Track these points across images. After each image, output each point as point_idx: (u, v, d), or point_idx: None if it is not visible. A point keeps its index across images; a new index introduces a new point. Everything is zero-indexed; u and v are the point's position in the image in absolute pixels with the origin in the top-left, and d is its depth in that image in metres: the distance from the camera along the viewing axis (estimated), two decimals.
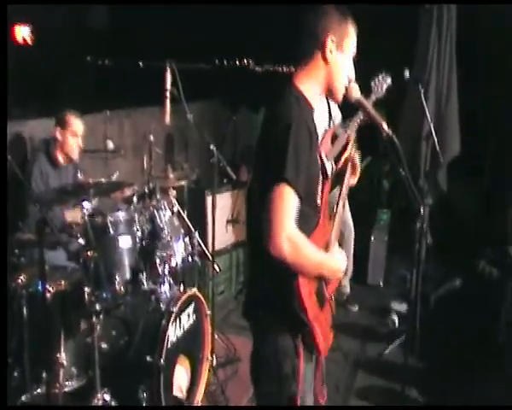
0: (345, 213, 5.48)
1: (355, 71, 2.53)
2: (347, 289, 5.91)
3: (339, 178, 2.73)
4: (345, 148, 2.79)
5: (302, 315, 2.28)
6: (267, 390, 2.47)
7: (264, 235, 2.16)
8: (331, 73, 2.42)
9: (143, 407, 3.54)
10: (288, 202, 2.16)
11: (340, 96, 2.49)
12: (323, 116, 5.14)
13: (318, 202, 2.41)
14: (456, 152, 5.73)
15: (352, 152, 2.79)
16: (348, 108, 2.73)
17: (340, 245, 2.63)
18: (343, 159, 2.75)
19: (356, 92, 2.53)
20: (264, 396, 2.52)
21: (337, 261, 2.45)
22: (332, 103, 5.16)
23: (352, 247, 5.76)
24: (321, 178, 2.42)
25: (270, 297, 2.36)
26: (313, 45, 2.39)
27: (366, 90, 2.79)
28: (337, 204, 2.63)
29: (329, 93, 2.49)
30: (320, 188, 2.42)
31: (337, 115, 5.17)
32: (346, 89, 2.49)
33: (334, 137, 3.88)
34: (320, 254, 2.34)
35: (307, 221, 2.34)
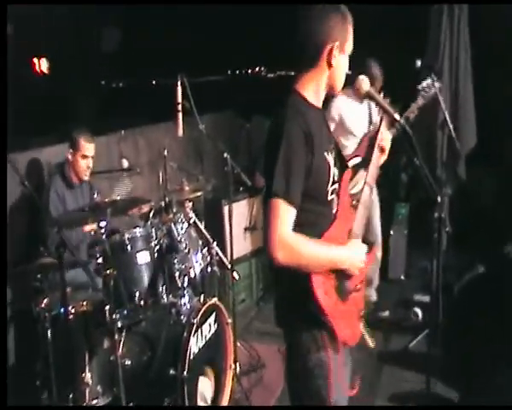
0: (373, 223, 5.48)
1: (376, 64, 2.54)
2: (374, 298, 5.78)
3: (364, 163, 2.75)
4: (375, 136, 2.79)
5: (319, 314, 2.33)
6: (298, 391, 2.55)
7: (265, 245, 2.29)
8: (334, 75, 2.48)
9: (144, 407, 3.61)
10: (278, 212, 2.26)
11: (339, 89, 2.57)
12: (363, 119, 5.18)
13: (329, 198, 2.46)
14: (473, 141, 5.72)
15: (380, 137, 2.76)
16: None
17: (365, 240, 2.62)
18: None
19: (366, 85, 2.59)
20: (297, 396, 2.58)
21: (354, 252, 2.48)
22: (373, 105, 5.21)
23: (379, 261, 5.70)
24: (334, 174, 2.47)
25: (291, 301, 2.43)
26: (317, 52, 2.43)
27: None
28: (361, 192, 2.65)
29: (330, 92, 2.54)
30: (332, 185, 2.46)
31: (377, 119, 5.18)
32: (356, 83, 2.54)
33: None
34: (328, 248, 2.37)
35: (321, 218, 2.43)
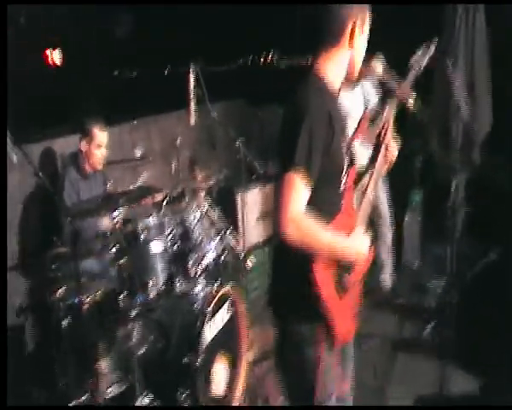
0: (380, 206, 5.44)
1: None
2: (388, 284, 5.71)
3: (372, 161, 2.74)
4: (384, 132, 2.78)
5: (318, 304, 2.31)
6: (289, 382, 2.56)
7: (274, 218, 2.26)
8: (354, 56, 2.45)
9: (144, 407, 3.64)
10: (294, 187, 2.22)
11: (357, 74, 2.53)
12: (357, 101, 5.14)
13: (342, 187, 2.45)
14: (487, 128, 5.67)
15: (388, 137, 2.77)
16: None
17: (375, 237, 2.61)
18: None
19: (379, 68, 2.56)
20: (288, 386, 2.59)
21: (358, 244, 2.45)
22: (367, 86, 5.18)
23: (390, 242, 5.64)
24: (346, 165, 2.45)
25: (289, 287, 2.42)
26: (339, 32, 2.40)
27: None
28: (366, 189, 2.65)
29: (350, 73, 2.50)
30: (344, 174, 2.45)
31: (371, 98, 5.13)
32: (370, 67, 2.53)
33: (372, 121, 3.87)
34: (335, 236, 2.34)
35: (329, 207, 2.41)
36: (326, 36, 2.43)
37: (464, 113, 5.06)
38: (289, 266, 2.40)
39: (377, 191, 5.34)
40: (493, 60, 5.67)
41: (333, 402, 2.48)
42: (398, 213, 6.10)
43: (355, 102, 5.13)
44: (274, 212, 2.26)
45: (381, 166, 2.73)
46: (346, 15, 2.38)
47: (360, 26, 2.40)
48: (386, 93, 2.71)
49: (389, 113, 2.81)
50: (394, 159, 2.77)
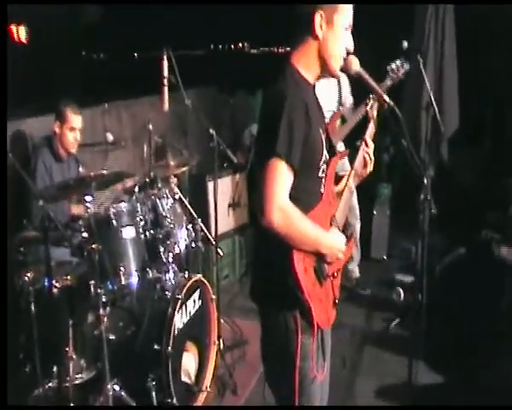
0: (352, 197, 5.46)
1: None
2: (356, 274, 5.82)
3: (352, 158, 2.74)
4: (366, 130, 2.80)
5: (297, 290, 2.30)
6: (272, 368, 2.56)
7: (258, 207, 2.26)
8: (324, 50, 2.43)
9: (144, 407, 3.63)
10: (279, 174, 2.24)
11: (335, 71, 2.51)
12: (332, 97, 5.15)
13: (321, 175, 2.45)
14: (455, 125, 5.74)
15: (369, 135, 2.78)
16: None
17: (345, 230, 2.63)
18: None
19: (355, 65, 2.55)
20: (269, 374, 2.59)
21: (335, 239, 2.46)
22: (343, 85, 5.20)
23: (358, 233, 5.73)
24: (325, 153, 2.46)
25: (269, 275, 2.41)
26: (303, 23, 2.42)
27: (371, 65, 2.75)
28: (346, 182, 2.68)
29: (324, 69, 2.49)
30: (323, 163, 2.46)
31: (347, 97, 5.16)
32: (346, 62, 2.51)
33: (343, 120, 3.89)
34: (315, 228, 2.35)
35: (308, 196, 2.42)
36: (293, 26, 2.45)
37: (434, 109, 5.13)
38: (269, 255, 2.40)
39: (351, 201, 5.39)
40: (461, 59, 5.76)
41: (317, 386, 2.52)
42: (366, 207, 6.15)
43: (328, 94, 5.14)
44: (259, 200, 2.26)
45: (361, 164, 2.73)
46: (309, 6, 2.39)
47: (326, 19, 2.39)
48: (368, 92, 2.70)
49: (371, 112, 2.84)
50: (372, 160, 2.76)
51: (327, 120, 2.64)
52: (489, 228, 5.83)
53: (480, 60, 6.70)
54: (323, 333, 2.57)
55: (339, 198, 2.62)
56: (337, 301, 2.61)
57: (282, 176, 2.24)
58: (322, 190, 2.48)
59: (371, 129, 2.79)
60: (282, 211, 2.22)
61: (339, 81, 5.11)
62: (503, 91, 6.83)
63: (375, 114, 2.82)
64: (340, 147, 4.82)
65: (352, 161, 2.72)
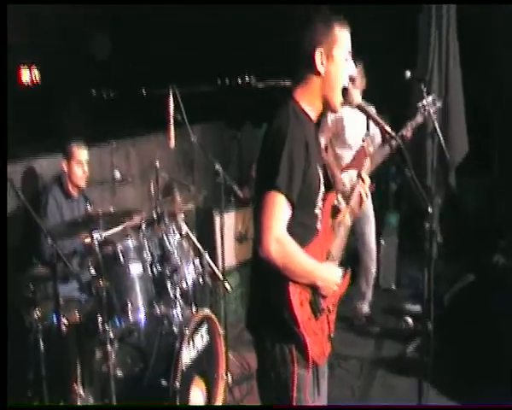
0: (367, 237, 5.43)
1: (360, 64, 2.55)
2: (365, 310, 5.65)
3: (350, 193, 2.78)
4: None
5: (292, 323, 2.34)
6: (268, 398, 2.57)
7: (255, 238, 2.31)
8: (326, 84, 2.48)
9: (144, 406, 3.65)
10: (278, 207, 2.29)
11: (336, 106, 2.54)
12: (359, 129, 5.12)
13: (317, 212, 2.50)
14: (464, 151, 5.77)
15: (361, 178, 2.81)
16: None
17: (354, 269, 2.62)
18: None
19: (357, 97, 2.57)
20: (267, 403, 2.60)
21: (331, 273, 2.49)
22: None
23: (373, 276, 5.60)
24: (322, 189, 2.51)
25: (266, 307, 2.45)
26: (304, 60, 2.47)
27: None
28: (343, 218, 2.69)
29: (326, 103, 2.53)
30: (320, 199, 2.50)
31: (376, 134, 5.13)
32: (347, 94, 2.53)
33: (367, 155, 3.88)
34: (311, 261, 2.39)
35: (304, 230, 2.45)
36: (295, 62, 2.51)
37: (440, 138, 5.15)
38: (266, 287, 2.43)
39: (364, 226, 5.38)
40: (467, 86, 5.80)
41: None
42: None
43: (358, 130, 5.06)
44: (257, 232, 2.31)
45: (357, 199, 2.77)
46: (309, 42, 2.44)
47: (326, 54, 2.43)
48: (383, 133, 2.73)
49: (367, 149, 2.89)
50: (368, 196, 2.80)
51: (353, 153, 2.66)
52: (500, 253, 5.82)
53: (486, 86, 6.73)
54: (319, 365, 2.58)
55: (335, 233, 2.64)
56: (332, 335, 2.63)
57: (280, 209, 2.29)
58: (318, 226, 2.52)
59: (367, 165, 2.83)
60: (280, 243, 2.26)
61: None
62: (510, 116, 6.84)
63: (371, 149, 2.87)
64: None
65: (348, 197, 2.75)
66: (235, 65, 8.30)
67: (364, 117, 5.08)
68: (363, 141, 2.88)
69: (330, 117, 5.06)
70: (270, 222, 2.27)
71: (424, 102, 4.14)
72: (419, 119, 4.18)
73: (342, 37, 2.48)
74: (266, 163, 2.38)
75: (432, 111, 4.15)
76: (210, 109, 7.37)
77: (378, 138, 4.74)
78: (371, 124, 5.13)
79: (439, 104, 4.19)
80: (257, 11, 7.61)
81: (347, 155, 5.02)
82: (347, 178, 3.93)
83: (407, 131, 4.18)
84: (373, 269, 5.59)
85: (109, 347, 3.55)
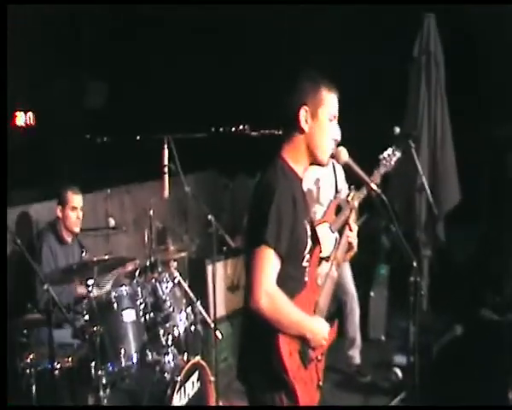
0: (346, 283, 5.46)
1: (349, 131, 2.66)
2: (357, 360, 5.62)
3: (335, 245, 2.89)
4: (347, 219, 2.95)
5: (282, 372, 2.40)
6: None
7: (246, 291, 2.38)
8: (311, 142, 2.55)
9: (145, 406, 3.66)
10: (268, 261, 2.36)
11: (324, 161, 2.61)
12: (329, 186, 5.21)
13: (305, 264, 2.57)
14: (456, 201, 5.88)
15: (350, 223, 2.92)
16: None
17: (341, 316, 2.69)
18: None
19: (344, 155, 2.65)
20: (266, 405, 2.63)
21: (319, 326, 2.55)
22: (338, 173, 5.29)
23: (358, 319, 5.60)
24: (310, 243, 2.58)
25: (256, 357, 2.50)
26: (289, 118, 2.55)
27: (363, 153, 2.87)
28: (329, 270, 2.79)
29: (313, 159, 2.60)
30: (308, 252, 2.57)
31: (343, 186, 5.23)
32: (335, 153, 2.63)
33: (339, 209, 4.02)
34: (300, 314, 2.46)
35: (293, 283, 2.52)
36: (281, 120, 2.60)
37: (427, 193, 5.25)
38: (256, 337, 2.49)
39: (343, 270, 5.43)
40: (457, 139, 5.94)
41: None
42: (364, 288, 6.20)
43: (328, 186, 5.18)
44: (247, 285, 2.39)
45: (344, 250, 2.87)
46: (293, 101, 2.53)
47: (311, 113, 2.51)
48: (356, 182, 2.83)
49: (353, 203, 2.98)
50: (356, 244, 2.90)
51: (325, 209, 2.76)
52: (487, 307, 5.87)
53: (476, 137, 6.84)
54: None
55: (322, 285, 2.73)
56: (321, 383, 2.69)
57: (270, 263, 2.36)
58: (306, 278, 2.60)
59: (353, 217, 2.93)
60: (270, 296, 2.33)
61: (334, 170, 5.16)
62: (498, 168, 6.94)
63: (356, 204, 2.96)
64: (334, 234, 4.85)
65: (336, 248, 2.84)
66: (229, 113, 8.43)
67: (333, 176, 5.24)
68: (335, 198, 3.00)
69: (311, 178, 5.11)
70: (260, 276, 2.34)
71: (385, 154, 4.28)
72: (381, 170, 4.32)
73: (329, 99, 2.55)
74: (256, 218, 2.44)
75: (393, 161, 4.27)
76: (203, 157, 7.46)
77: (345, 189, 4.85)
78: (337, 174, 5.24)
79: (398, 154, 4.33)
80: (253, 59, 7.78)
81: (319, 211, 5.08)
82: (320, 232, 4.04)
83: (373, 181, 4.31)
84: (357, 310, 5.59)
85: (102, 392, 3.59)
